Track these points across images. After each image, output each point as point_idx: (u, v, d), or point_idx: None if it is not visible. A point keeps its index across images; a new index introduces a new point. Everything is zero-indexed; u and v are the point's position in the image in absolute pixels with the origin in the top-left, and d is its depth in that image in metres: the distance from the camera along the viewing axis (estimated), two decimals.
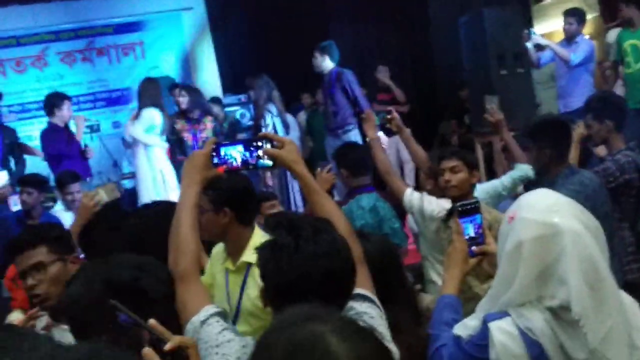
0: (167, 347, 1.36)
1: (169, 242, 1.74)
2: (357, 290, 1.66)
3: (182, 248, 1.70)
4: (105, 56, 9.05)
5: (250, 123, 7.60)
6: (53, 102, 6.01)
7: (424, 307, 2.35)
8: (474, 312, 1.73)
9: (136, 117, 6.11)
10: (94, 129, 6.25)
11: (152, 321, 1.39)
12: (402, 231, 3.95)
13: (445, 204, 3.24)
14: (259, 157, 1.88)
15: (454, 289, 1.96)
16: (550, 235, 1.54)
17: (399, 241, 3.80)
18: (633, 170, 3.61)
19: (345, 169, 3.96)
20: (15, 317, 2.37)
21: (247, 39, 8.79)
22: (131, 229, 2.37)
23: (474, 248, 2.01)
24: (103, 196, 2.94)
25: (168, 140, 6.27)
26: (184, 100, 6.33)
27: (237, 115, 8.05)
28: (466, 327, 1.70)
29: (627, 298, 1.63)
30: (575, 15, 6.25)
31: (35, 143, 7.47)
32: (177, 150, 6.37)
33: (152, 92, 6.11)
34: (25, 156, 6.79)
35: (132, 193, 6.65)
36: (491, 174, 4.66)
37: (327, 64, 6.35)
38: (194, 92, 6.59)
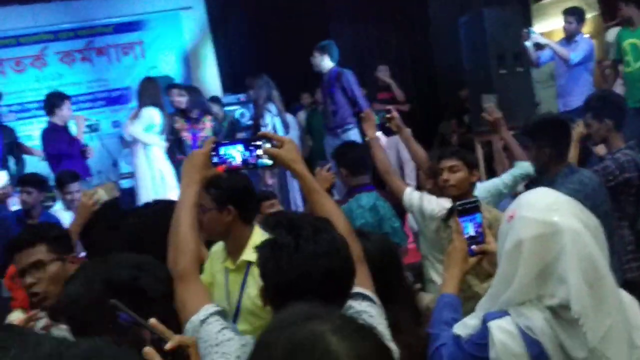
0: (168, 346, 1.36)
1: (168, 241, 1.74)
2: (357, 289, 1.66)
3: (181, 247, 1.70)
4: (104, 56, 9.04)
5: (250, 122, 7.60)
6: (53, 101, 6.00)
7: (423, 306, 2.35)
8: (474, 311, 1.73)
9: (135, 116, 6.11)
10: (93, 128, 6.25)
11: (152, 320, 1.39)
12: (402, 230, 3.95)
13: (445, 203, 3.24)
14: (258, 156, 1.88)
15: (453, 288, 1.96)
16: (550, 234, 1.53)
17: (399, 240, 3.80)
18: (633, 169, 3.61)
19: (345, 168, 3.96)
20: (16, 316, 2.37)
21: (247, 39, 8.79)
22: (130, 228, 2.37)
23: (473, 247, 2.01)
24: (102, 195, 2.94)
25: (167, 139, 6.27)
26: (182, 100, 6.34)
27: (237, 115, 8.04)
28: (466, 326, 1.70)
29: (626, 297, 1.63)
30: (574, 14, 6.26)
31: (35, 143, 7.48)
32: (176, 149, 6.38)
33: (151, 91, 6.11)
34: (25, 156, 6.79)
35: (131, 193, 6.65)
36: (491, 173, 4.66)
37: (326, 63, 6.35)
38: (193, 92, 6.59)
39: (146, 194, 5.94)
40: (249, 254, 2.35)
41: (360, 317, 1.59)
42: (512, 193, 3.64)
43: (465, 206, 2.04)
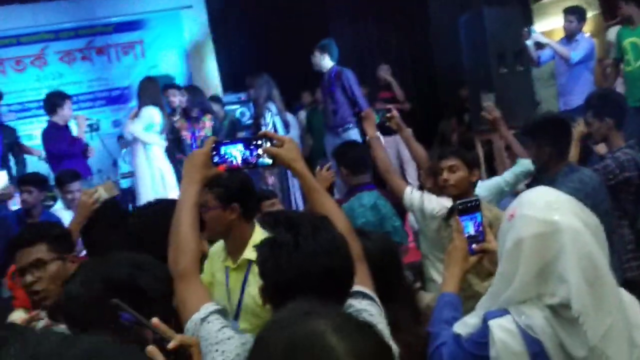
0: (170, 345, 1.35)
1: (169, 241, 1.74)
2: (357, 287, 1.66)
3: (182, 247, 1.70)
4: (105, 55, 9.05)
5: (250, 122, 7.61)
6: (55, 101, 6.00)
7: (424, 305, 2.35)
8: (474, 310, 1.73)
9: (135, 115, 6.11)
10: (94, 128, 6.24)
11: (154, 320, 1.39)
12: (403, 229, 3.95)
13: (446, 202, 3.24)
14: (259, 155, 1.88)
15: (454, 287, 1.96)
16: (550, 232, 1.53)
17: (399, 239, 3.80)
18: (633, 168, 3.61)
19: (345, 167, 3.96)
20: (18, 316, 2.36)
21: (247, 38, 8.79)
22: (130, 228, 2.37)
23: (474, 246, 2.01)
24: (102, 194, 2.94)
25: (167, 139, 6.27)
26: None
27: (237, 114, 8.05)
28: (466, 325, 1.70)
29: (626, 296, 1.63)
30: (575, 13, 6.26)
31: (35, 142, 7.48)
32: (176, 148, 6.38)
33: (151, 91, 6.11)
34: (26, 156, 6.79)
35: (129, 192, 6.65)
36: (492, 172, 4.66)
37: (326, 62, 6.35)
38: (194, 91, 6.60)
39: (146, 193, 5.94)
40: (250, 253, 2.35)
41: (360, 316, 1.59)
42: (513, 192, 3.64)
43: (466, 205, 2.04)
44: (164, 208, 2.12)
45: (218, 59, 9.27)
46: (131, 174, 6.90)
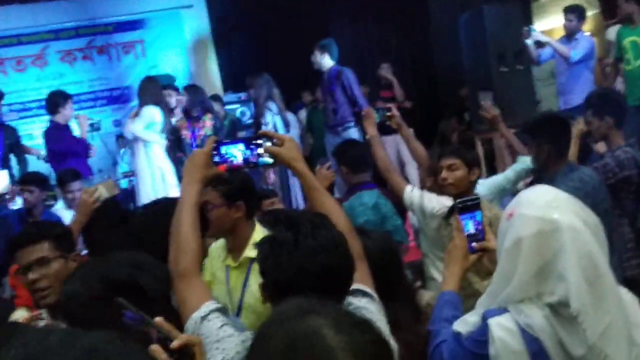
0: (174, 344, 1.36)
1: (169, 240, 1.75)
2: (356, 285, 1.67)
3: (182, 247, 1.71)
4: (105, 55, 9.06)
5: (251, 121, 7.61)
6: (57, 101, 6.00)
7: (424, 303, 2.36)
8: (474, 309, 1.73)
9: (136, 114, 6.11)
10: (95, 127, 6.25)
11: (158, 319, 1.39)
12: (403, 228, 3.96)
13: (446, 201, 3.24)
14: (259, 155, 1.89)
15: (454, 285, 1.97)
16: (550, 231, 1.54)
17: (400, 238, 3.81)
18: (632, 167, 3.61)
19: (345, 166, 3.97)
20: (20, 315, 2.37)
21: (248, 37, 8.79)
22: (131, 228, 2.38)
23: (474, 245, 2.02)
24: (103, 192, 2.94)
25: (167, 138, 6.28)
26: (177, 99, 6.37)
27: (238, 114, 8.05)
28: (466, 324, 1.70)
29: (626, 294, 1.63)
30: (575, 12, 6.26)
31: (36, 142, 7.49)
32: (176, 147, 6.39)
33: (152, 90, 6.11)
34: (28, 155, 6.79)
35: (128, 192, 6.66)
36: (492, 171, 4.67)
37: (326, 61, 6.36)
38: (194, 90, 6.60)
39: (146, 193, 5.95)
40: (251, 251, 2.36)
41: (359, 313, 1.60)
42: (512, 191, 3.64)
43: (466, 204, 2.04)
44: (164, 208, 2.13)
45: (218, 58, 9.27)
46: (132, 173, 6.90)
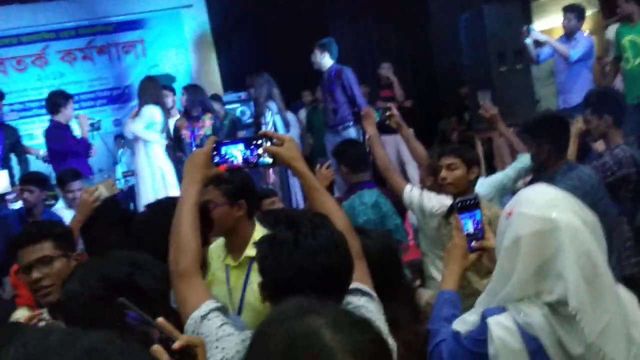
0: (176, 345, 1.35)
1: (169, 240, 1.75)
2: (355, 285, 1.67)
3: (182, 247, 1.71)
4: (105, 54, 9.07)
5: (251, 120, 7.61)
6: (58, 100, 6.00)
7: (423, 302, 2.36)
8: (474, 308, 1.74)
9: (136, 114, 6.12)
10: (95, 127, 6.25)
11: (160, 319, 1.40)
12: (403, 228, 3.96)
13: (445, 200, 3.24)
14: (259, 155, 1.89)
15: (453, 284, 1.97)
16: (548, 230, 1.54)
17: (400, 237, 3.81)
18: (630, 165, 3.62)
19: (345, 165, 3.97)
20: (21, 314, 2.37)
21: (248, 37, 8.79)
22: (132, 228, 2.38)
23: (473, 244, 2.02)
24: (103, 192, 2.95)
25: (167, 137, 6.28)
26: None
27: (238, 113, 8.05)
28: (465, 323, 1.70)
29: (625, 293, 1.63)
30: (574, 12, 6.26)
31: (37, 142, 7.49)
32: (176, 147, 6.40)
33: (152, 90, 6.12)
34: (29, 155, 6.80)
35: (127, 192, 6.66)
36: (491, 170, 4.67)
37: (326, 61, 6.35)
38: (194, 90, 6.60)
39: (146, 192, 5.95)
40: (252, 250, 2.36)
41: (359, 312, 1.60)
42: (512, 190, 3.65)
43: (465, 203, 2.05)
44: (164, 208, 2.13)
45: (218, 58, 9.28)
46: (132, 173, 6.91)
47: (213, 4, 9.17)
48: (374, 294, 1.73)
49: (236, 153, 1.90)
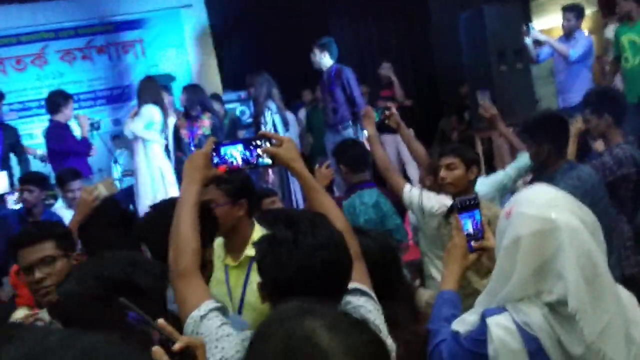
0: (176, 347, 1.35)
1: (169, 240, 1.75)
2: (354, 284, 1.67)
3: (182, 247, 1.71)
4: (105, 54, 9.05)
5: (250, 120, 7.62)
6: (58, 100, 6.00)
7: (423, 302, 2.36)
8: (473, 308, 1.74)
9: (136, 114, 6.12)
10: (94, 127, 6.25)
11: (160, 321, 1.40)
12: (403, 227, 3.97)
13: (445, 200, 3.24)
14: (258, 156, 1.90)
15: (453, 284, 1.97)
16: (548, 230, 1.54)
17: (400, 237, 3.82)
18: (630, 164, 3.62)
19: (345, 165, 3.97)
20: (21, 314, 2.37)
21: (247, 36, 8.79)
22: (130, 229, 2.39)
23: (473, 243, 2.02)
24: (102, 191, 2.95)
25: (167, 137, 6.29)
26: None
27: (237, 112, 8.06)
28: (465, 323, 1.70)
29: (624, 293, 1.63)
30: (573, 11, 6.26)
31: (36, 141, 7.49)
32: (175, 146, 6.40)
33: (151, 90, 6.12)
34: (29, 155, 6.80)
35: (126, 191, 6.66)
36: (491, 170, 4.67)
37: (326, 60, 6.35)
38: (193, 89, 6.60)
39: (145, 192, 5.95)
40: (252, 250, 2.36)
41: (358, 312, 1.61)
42: (512, 190, 3.65)
43: (465, 203, 2.05)
44: (165, 208, 2.14)
45: (218, 57, 9.27)
46: (131, 173, 6.91)
47: (213, 3, 9.16)
48: (373, 294, 1.73)
49: (235, 154, 1.91)
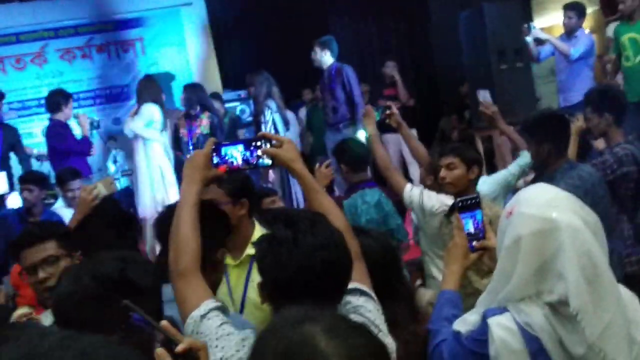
0: (179, 348, 1.35)
1: (169, 241, 1.76)
2: (354, 284, 1.67)
3: (182, 247, 1.71)
4: (105, 53, 9.06)
5: (250, 119, 7.61)
6: (58, 99, 5.99)
7: (425, 302, 2.36)
8: (474, 307, 1.74)
9: (135, 113, 6.12)
10: (94, 126, 6.25)
11: (164, 322, 1.40)
12: (403, 227, 3.97)
13: (445, 199, 3.24)
14: (258, 156, 1.90)
15: (454, 284, 1.97)
16: (549, 230, 1.54)
17: (401, 237, 3.81)
18: (631, 163, 3.61)
19: (345, 164, 3.97)
20: (21, 313, 2.37)
21: (247, 35, 8.80)
22: (129, 228, 2.39)
23: (474, 243, 2.02)
24: (102, 190, 2.94)
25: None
26: (182, 97, 6.39)
27: (237, 112, 8.05)
28: (466, 323, 1.70)
29: (626, 292, 1.63)
30: (574, 9, 6.24)
31: (36, 140, 7.49)
32: (174, 146, 6.40)
33: (151, 89, 6.12)
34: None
35: (125, 191, 6.67)
36: (492, 169, 4.67)
37: (327, 59, 6.34)
38: (193, 88, 6.60)
39: (145, 191, 5.95)
40: (253, 249, 2.37)
41: (358, 312, 1.60)
42: (514, 188, 3.65)
43: (466, 202, 2.05)
44: (165, 208, 2.14)
45: (218, 56, 9.27)
46: (130, 172, 6.91)
47: (213, 2, 9.16)
48: (373, 294, 1.72)
49: (236, 154, 1.91)
